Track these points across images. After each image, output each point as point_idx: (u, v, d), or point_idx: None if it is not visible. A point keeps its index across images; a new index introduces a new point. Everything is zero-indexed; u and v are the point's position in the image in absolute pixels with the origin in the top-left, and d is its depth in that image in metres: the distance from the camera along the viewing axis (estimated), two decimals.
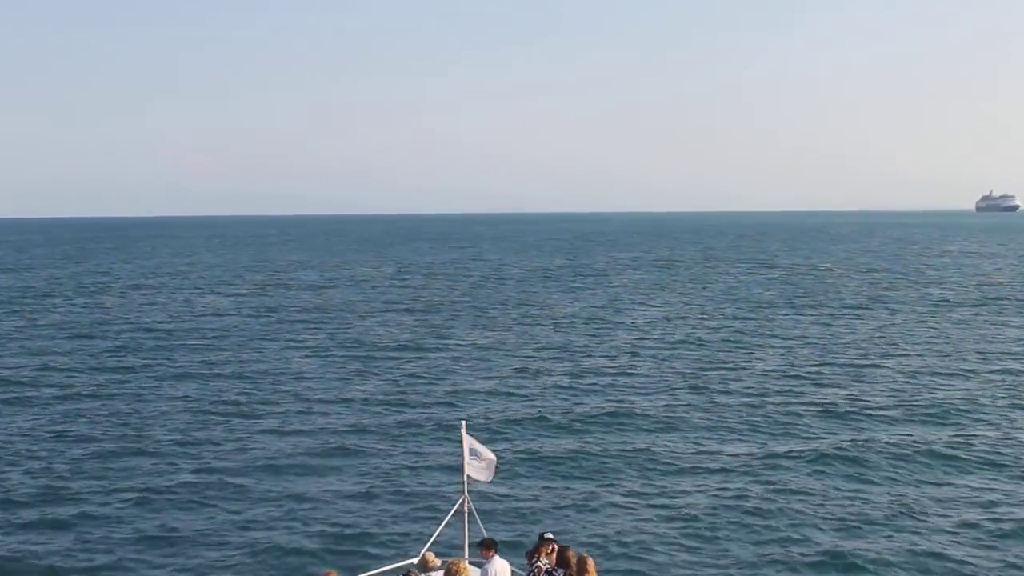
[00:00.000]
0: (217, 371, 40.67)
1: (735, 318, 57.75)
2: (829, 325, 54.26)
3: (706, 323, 55.35)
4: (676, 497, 23.40)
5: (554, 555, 13.43)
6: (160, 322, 57.82)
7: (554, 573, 13.16)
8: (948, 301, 66.94)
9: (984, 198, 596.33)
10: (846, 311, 61.10)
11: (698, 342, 47.74)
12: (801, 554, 19.89)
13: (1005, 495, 23.50)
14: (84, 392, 36.51)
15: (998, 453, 26.98)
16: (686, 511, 22.32)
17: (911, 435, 28.86)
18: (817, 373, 39.05)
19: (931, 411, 32.05)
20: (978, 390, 35.53)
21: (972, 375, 38.61)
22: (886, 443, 27.83)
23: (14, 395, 36.13)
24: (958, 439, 28.42)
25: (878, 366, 40.75)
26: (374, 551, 19.92)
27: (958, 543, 20.36)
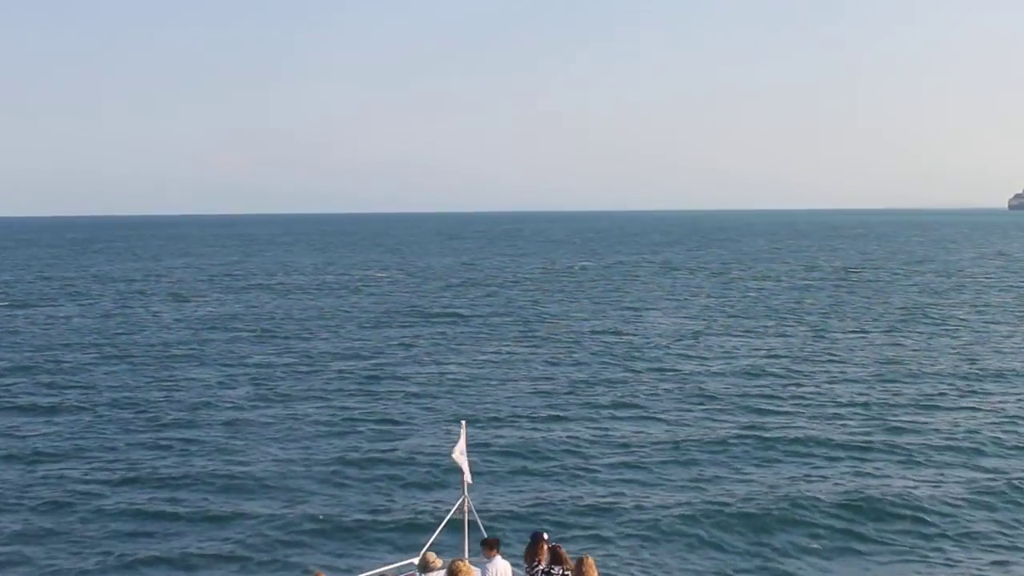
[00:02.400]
0: (216, 367, 40.71)
1: (752, 332, 53.20)
2: (872, 341, 47.83)
3: (722, 328, 55.03)
4: (678, 500, 23.35)
5: (544, 553, 13.35)
6: (188, 313, 57.82)
7: (552, 571, 13.10)
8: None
9: (1017, 196, 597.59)
10: (895, 324, 54.25)
11: (712, 345, 47.40)
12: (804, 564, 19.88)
13: None
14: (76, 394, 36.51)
15: None
16: (688, 514, 22.27)
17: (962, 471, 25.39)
18: (863, 394, 34.78)
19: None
20: None
21: None
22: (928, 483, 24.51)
23: None
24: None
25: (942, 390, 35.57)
26: (374, 551, 19.90)
27: None
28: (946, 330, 51.79)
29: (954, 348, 45.49)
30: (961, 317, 57.18)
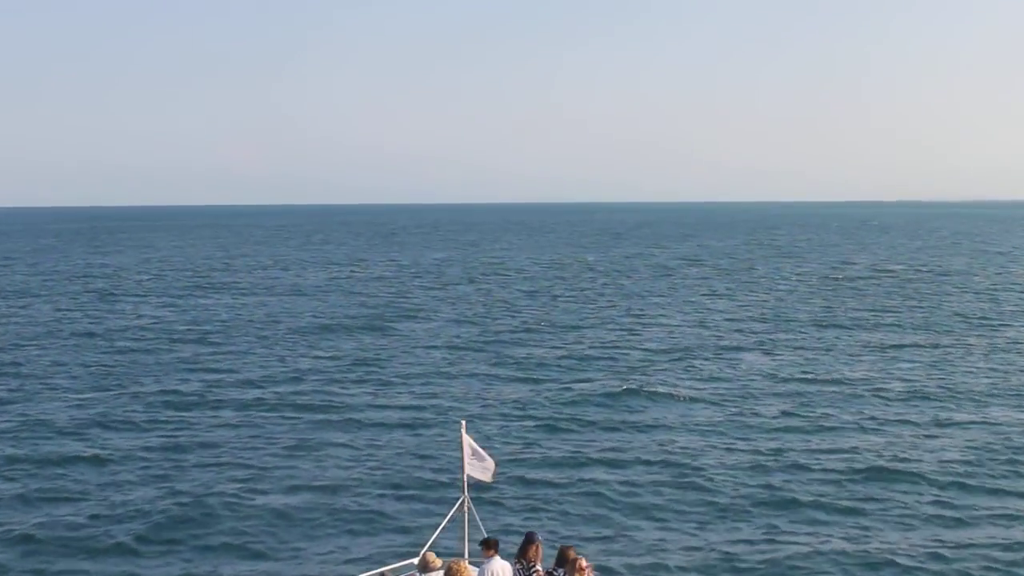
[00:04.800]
0: (216, 369, 40.78)
1: (775, 341, 49.12)
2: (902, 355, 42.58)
3: (734, 330, 54.96)
4: (679, 500, 23.45)
5: (539, 553, 13.47)
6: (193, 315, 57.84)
7: (554, 573, 13.21)
8: None
9: None
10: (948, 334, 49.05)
11: (719, 346, 47.22)
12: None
13: None
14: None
15: None
16: (688, 514, 22.39)
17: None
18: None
19: None
20: None
21: None
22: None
23: None
24: None
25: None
26: (374, 551, 19.98)
27: None
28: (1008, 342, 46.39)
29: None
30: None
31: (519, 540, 14.06)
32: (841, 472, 25.22)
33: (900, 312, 59.02)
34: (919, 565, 19.50)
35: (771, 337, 49.19)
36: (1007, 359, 42.30)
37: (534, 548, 13.50)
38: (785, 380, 37.82)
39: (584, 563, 12.91)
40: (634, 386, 36.63)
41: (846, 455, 26.89)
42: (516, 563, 13.52)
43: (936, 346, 45.70)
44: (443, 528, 15.37)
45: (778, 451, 27.47)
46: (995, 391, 35.48)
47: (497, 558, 13.52)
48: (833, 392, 35.37)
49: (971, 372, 39.17)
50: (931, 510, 22.67)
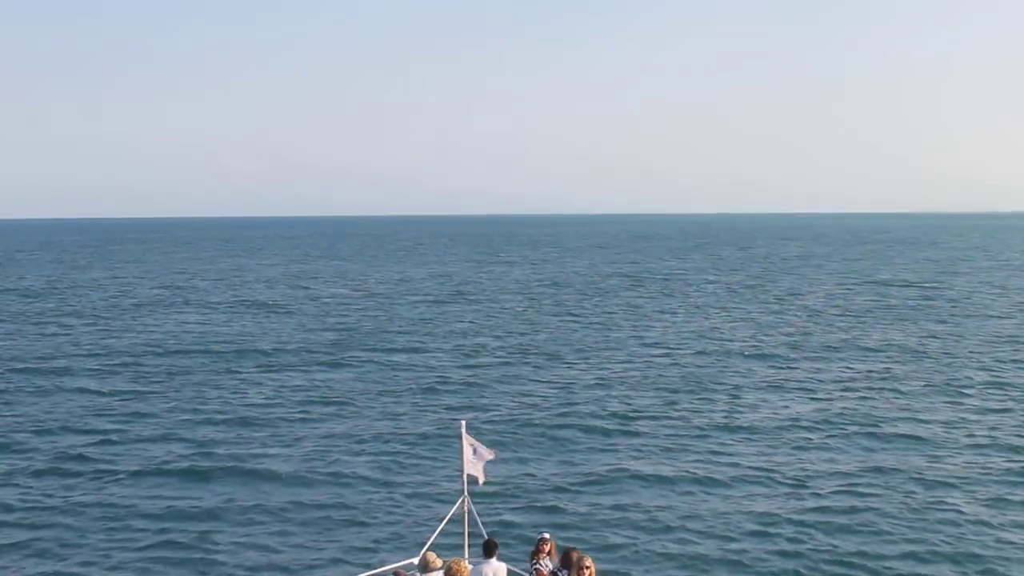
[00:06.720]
0: (221, 370, 40.70)
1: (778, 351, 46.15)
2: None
3: (732, 335, 54.83)
4: (680, 500, 23.32)
5: (553, 554, 13.37)
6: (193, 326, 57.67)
7: (558, 574, 13.09)
8: None
9: None
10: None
11: (721, 351, 46.72)
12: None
13: None
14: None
15: None
16: (689, 514, 22.24)
17: None
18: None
19: None
20: None
21: None
22: None
23: None
24: None
25: None
26: (374, 551, 19.87)
27: None
28: None
29: None
30: None
31: (520, 539, 13.95)
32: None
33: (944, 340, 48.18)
34: None
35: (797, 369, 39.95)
36: None
37: (541, 547, 13.47)
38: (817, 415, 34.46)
39: (588, 562, 12.76)
40: (641, 384, 36.53)
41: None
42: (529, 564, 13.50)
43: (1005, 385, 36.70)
44: (443, 528, 15.25)
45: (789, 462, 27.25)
46: None
47: (492, 560, 13.40)
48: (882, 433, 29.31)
49: None
50: None
